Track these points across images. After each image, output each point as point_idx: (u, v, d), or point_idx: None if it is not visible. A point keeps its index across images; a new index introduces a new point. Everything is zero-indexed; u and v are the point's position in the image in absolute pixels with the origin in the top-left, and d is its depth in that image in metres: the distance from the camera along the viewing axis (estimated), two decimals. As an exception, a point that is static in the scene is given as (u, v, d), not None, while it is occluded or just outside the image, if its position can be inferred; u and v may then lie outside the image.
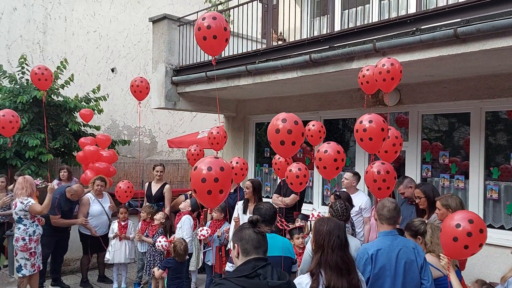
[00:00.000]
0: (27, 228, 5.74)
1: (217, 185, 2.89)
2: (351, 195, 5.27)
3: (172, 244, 5.48)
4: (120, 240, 6.60)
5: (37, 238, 5.83)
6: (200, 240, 6.17)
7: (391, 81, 4.24)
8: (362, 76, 4.74)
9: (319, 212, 5.14)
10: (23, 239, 5.70)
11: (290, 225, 5.33)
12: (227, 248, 6.01)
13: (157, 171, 7.19)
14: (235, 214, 5.83)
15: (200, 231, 5.85)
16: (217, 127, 6.31)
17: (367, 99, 6.52)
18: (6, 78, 9.70)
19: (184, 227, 6.12)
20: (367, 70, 4.66)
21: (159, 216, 6.36)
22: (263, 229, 2.48)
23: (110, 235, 6.66)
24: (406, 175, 6.09)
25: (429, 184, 4.85)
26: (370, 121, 3.90)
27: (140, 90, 6.39)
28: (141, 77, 6.51)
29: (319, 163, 4.40)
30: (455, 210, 3.95)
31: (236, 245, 2.44)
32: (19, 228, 5.74)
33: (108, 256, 6.61)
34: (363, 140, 3.97)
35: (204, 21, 3.60)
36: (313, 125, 5.63)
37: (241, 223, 5.54)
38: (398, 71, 4.24)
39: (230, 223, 6.05)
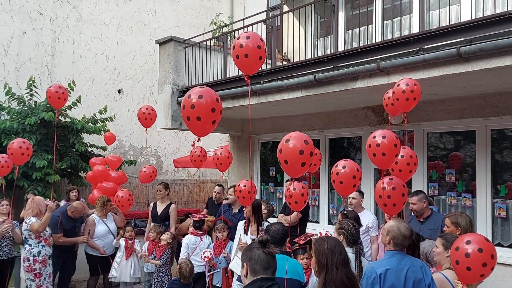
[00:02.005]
0: (32, 249, 5.73)
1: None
2: (358, 214, 5.24)
3: (178, 266, 5.44)
4: (126, 259, 6.57)
5: (42, 259, 5.77)
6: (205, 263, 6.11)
7: (413, 101, 4.29)
8: (387, 98, 4.78)
9: (327, 231, 5.10)
10: (28, 260, 5.68)
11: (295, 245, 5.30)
12: (228, 268, 5.94)
13: (157, 191, 7.26)
14: (237, 235, 5.78)
15: (203, 253, 5.80)
16: (221, 148, 6.36)
17: (378, 117, 6.54)
18: (15, 100, 9.86)
19: (182, 248, 6.14)
20: (393, 92, 4.70)
21: (165, 237, 6.34)
22: (272, 250, 2.47)
23: (114, 243, 6.65)
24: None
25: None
26: (384, 137, 3.86)
27: (151, 118, 6.66)
28: (151, 106, 6.74)
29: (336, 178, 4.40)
30: (464, 228, 3.95)
31: (245, 264, 2.43)
32: (25, 249, 5.74)
33: (114, 273, 6.54)
34: (376, 155, 3.90)
35: (262, 42, 3.62)
36: None
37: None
38: (419, 91, 4.30)
39: (233, 241, 6.00)
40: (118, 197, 6.60)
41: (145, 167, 6.99)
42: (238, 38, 3.59)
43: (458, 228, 3.97)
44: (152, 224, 6.92)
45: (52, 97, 6.36)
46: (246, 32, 3.64)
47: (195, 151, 6.63)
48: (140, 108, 6.72)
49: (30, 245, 5.73)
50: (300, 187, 4.73)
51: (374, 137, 3.93)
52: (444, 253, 3.65)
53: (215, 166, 6.43)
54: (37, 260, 5.72)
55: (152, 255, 6.34)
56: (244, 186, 5.03)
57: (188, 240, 6.12)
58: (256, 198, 7.37)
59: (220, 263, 5.99)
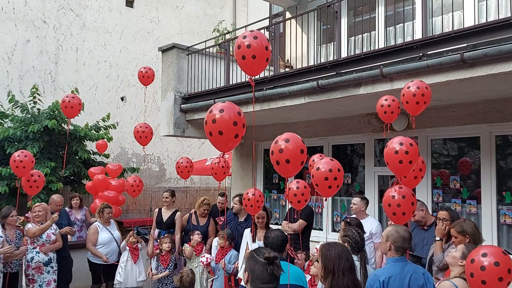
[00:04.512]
0: (27, 254, 5.73)
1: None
2: (361, 220, 5.20)
3: (180, 275, 5.43)
4: (135, 263, 6.52)
5: (36, 265, 5.71)
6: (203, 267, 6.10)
7: (423, 105, 4.24)
8: (381, 106, 4.75)
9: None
10: (24, 265, 5.70)
11: (297, 253, 5.26)
12: (236, 278, 5.90)
13: (163, 197, 7.23)
14: (243, 242, 5.74)
15: (202, 257, 5.82)
16: (218, 157, 6.24)
17: (379, 126, 6.51)
18: (18, 107, 9.89)
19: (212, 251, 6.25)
20: (385, 100, 4.66)
21: (164, 246, 6.30)
22: (277, 271, 2.33)
23: (122, 245, 6.61)
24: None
25: (455, 210, 4.71)
26: (411, 144, 3.73)
27: (146, 136, 6.49)
28: (145, 124, 6.59)
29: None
30: (472, 234, 3.87)
31: (246, 272, 2.41)
32: None
33: (119, 278, 6.46)
34: (402, 162, 3.75)
35: (269, 43, 3.35)
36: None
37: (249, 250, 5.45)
38: (430, 95, 4.25)
39: (237, 250, 5.97)
40: (129, 182, 6.46)
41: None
42: (244, 37, 3.22)
43: (466, 236, 3.86)
44: (166, 235, 6.84)
45: (74, 107, 6.36)
46: (253, 31, 3.31)
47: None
48: (139, 126, 6.53)
49: (27, 249, 5.75)
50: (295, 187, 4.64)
51: (401, 143, 3.76)
52: (459, 260, 3.57)
53: (215, 176, 6.33)
54: (30, 266, 5.70)
55: (156, 264, 6.32)
56: (253, 194, 4.95)
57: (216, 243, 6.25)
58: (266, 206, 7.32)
59: (219, 270, 5.97)
